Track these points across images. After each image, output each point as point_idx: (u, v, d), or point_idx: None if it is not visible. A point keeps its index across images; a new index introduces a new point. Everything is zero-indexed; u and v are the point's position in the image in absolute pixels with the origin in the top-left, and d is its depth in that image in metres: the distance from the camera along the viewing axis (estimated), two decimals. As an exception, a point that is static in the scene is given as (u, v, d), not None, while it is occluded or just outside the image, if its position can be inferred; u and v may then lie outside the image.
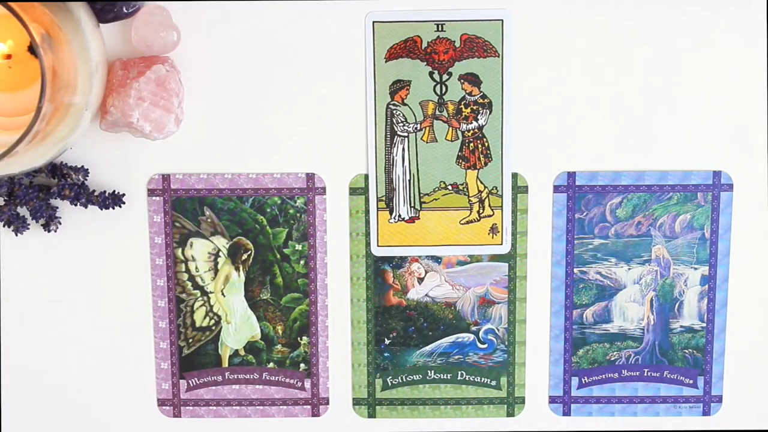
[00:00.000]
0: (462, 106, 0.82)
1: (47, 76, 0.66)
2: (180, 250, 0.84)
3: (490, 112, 0.82)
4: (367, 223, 0.84)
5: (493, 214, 0.83)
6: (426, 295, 0.85)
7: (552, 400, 0.87)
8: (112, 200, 0.81)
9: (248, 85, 0.81)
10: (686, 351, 0.86)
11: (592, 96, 0.82)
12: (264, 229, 0.84)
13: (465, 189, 0.83)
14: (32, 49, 0.75)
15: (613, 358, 0.86)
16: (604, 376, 0.86)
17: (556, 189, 0.83)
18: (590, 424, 0.87)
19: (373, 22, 0.80)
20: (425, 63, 0.81)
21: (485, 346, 0.86)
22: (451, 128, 0.82)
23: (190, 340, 0.86)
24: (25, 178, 0.81)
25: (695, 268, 0.84)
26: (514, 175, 0.83)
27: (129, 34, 0.79)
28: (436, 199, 0.83)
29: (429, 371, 0.86)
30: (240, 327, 0.85)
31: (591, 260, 0.84)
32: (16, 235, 0.82)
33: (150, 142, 0.81)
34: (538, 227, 0.84)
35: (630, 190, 0.83)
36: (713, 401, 0.86)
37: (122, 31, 0.80)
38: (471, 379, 0.86)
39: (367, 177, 0.83)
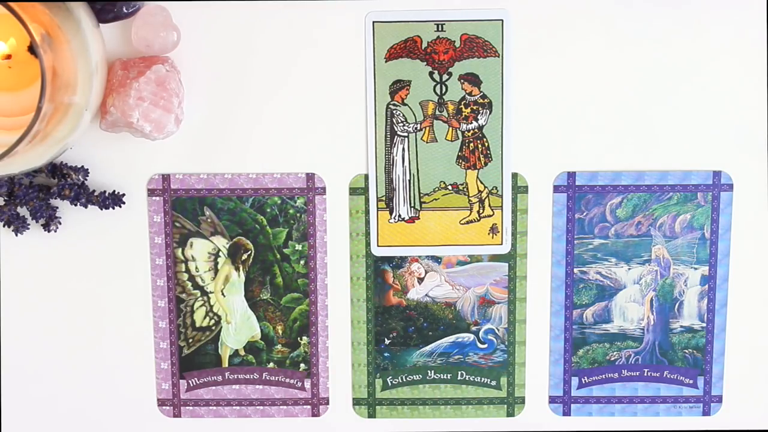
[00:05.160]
0: (462, 106, 0.82)
1: (47, 76, 0.66)
2: (180, 250, 0.84)
3: (490, 112, 0.82)
4: (367, 223, 0.84)
5: (493, 214, 0.83)
6: (426, 295, 0.85)
7: (552, 400, 0.87)
8: (112, 200, 0.81)
9: (248, 85, 0.81)
10: (686, 351, 0.86)
11: (591, 96, 0.82)
12: (264, 229, 0.84)
13: (465, 189, 0.83)
14: (32, 49, 0.75)
15: (613, 358, 0.86)
16: (604, 376, 0.86)
17: (556, 189, 0.83)
18: (590, 424, 0.87)
19: (373, 22, 0.80)
20: (425, 63, 0.81)
21: (485, 346, 0.86)
22: (451, 128, 0.82)
23: (190, 340, 0.86)
24: (25, 178, 0.81)
25: (695, 268, 0.84)
26: (514, 175, 0.83)
27: (129, 34, 0.79)
28: (436, 199, 0.83)
29: (429, 371, 0.86)
30: (240, 327, 0.85)
31: (591, 260, 0.84)
32: (16, 235, 0.82)
33: (150, 142, 0.81)
34: (538, 227, 0.84)
35: (630, 190, 0.83)
36: (713, 401, 0.86)
37: (122, 31, 0.80)
38: (471, 379, 0.86)
39: (367, 177, 0.83)
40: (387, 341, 0.86)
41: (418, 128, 0.82)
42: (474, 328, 0.86)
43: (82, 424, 0.86)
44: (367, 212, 0.83)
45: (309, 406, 0.86)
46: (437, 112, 0.82)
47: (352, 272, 0.85)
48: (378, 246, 0.84)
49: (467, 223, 0.83)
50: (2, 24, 0.74)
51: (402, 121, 0.82)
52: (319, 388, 0.86)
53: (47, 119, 0.68)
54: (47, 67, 0.66)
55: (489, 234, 0.84)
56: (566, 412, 0.87)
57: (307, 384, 0.86)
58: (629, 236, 0.84)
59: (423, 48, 0.81)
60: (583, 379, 0.86)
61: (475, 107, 0.82)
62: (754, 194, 0.83)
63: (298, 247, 0.84)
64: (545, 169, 0.83)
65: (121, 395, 0.86)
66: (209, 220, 0.84)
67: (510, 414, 0.87)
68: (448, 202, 0.83)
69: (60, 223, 0.82)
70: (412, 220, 0.83)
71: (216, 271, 0.85)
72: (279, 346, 0.86)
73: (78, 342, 0.85)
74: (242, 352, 0.86)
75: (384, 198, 0.83)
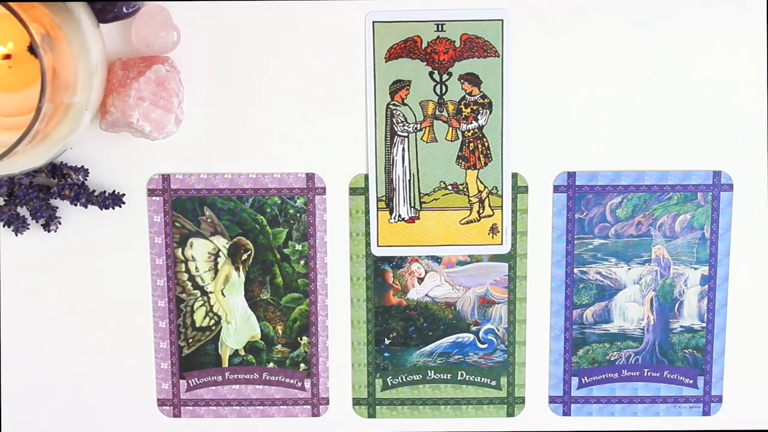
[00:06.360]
0: (462, 106, 0.82)
1: (47, 76, 0.66)
2: (180, 250, 0.84)
3: (490, 112, 0.82)
4: (367, 223, 0.84)
5: (493, 214, 0.83)
6: (426, 295, 0.85)
7: (552, 400, 0.87)
8: (112, 200, 0.81)
9: (248, 85, 0.81)
10: (686, 351, 0.86)
11: (591, 96, 0.82)
12: (264, 229, 0.84)
13: (465, 189, 0.83)
14: (32, 49, 0.75)
15: (613, 358, 0.86)
16: (604, 376, 0.86)
17: (556, 189, 0.83)
18: (590, 424, 0.87)
19: (373, 22, 0.80)
20: (425, 63, 0.81)
21: (485, 346, 0.86)
22: (451, 128, 0.82)
23: (190, 340, 0.86)
24: (25, 178, 0.81)
25: (695, 268, 0.84)
26: (514, 175, 0.83)
27: (129, 34, 0.79)
28: (436, 199, 0.83)
29: (429, 371, 0.86)
30: (240, 327, 0.85)
31: (591, 260, 0.84)
32: (16, 235, 0.82)
33: (150, 142, 0.81)
34: (538, 227, 0.84)
35: (630, 190, 0.83)
36: (713, 401, 0.86)
37: (122, 31, 0.80)
38: (471, 379, 0.86)
39: (367, 177, 0.83)
40: (387, 341, 0.86)
41: (418, 128, 0.82)
42: (474, 328, 0.86)
43: (82, 424, 0.86)
44: (367, 212, 0.83)
45: (309, 406, 0.86)
46: (437, 112, 0.82)
47: (352, 272, 0.85)
48: (378, 246, 0.84)
49: (467, 223, 0.83)
50: (2, 24, 0.74)
51: (402, 121, 0.82)
52: (319, 388, 0.86)
53: (47, 119, 0.68)
54: (47, 67, 0.66)
55: (489, 234, 0.84)
56: (566, 412, 0.87)
57: (307, 384, 0.86)
58: (629, 236, 0.84)
59: (423, 48, 0.81)
60: (583, 379, 0.86)
61: (475, 107, 0.82)
62: (754, 194, 0.83)
63: (298, 247, 0.84)
64: (545, 169, 0.83)
65: (121, 395, 0.86)
66: (209, 220, 0.84)
67: (510, 414, 0.87)
68: (448, 202, 0.83)
69: (60, 223, 0.82)
70: (412, 220, 0.83)
71: (216, 271, 0.85)
72: (279, 346, 0.86)
73: (78, 342, 0.85)
74: (242, 352, 0.86)
75: (384, 198, 0.83)
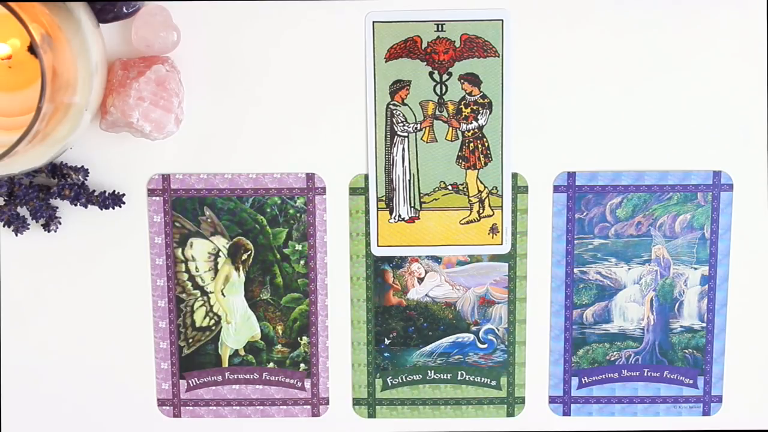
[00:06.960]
0: (462, 106, 0.82)
1: (47, 76, 0.66)
2: (180, 250, 0.84)
3: (490, 112, 0.82)
4: (367, 223, 0.84)
5: (493, 214, 0.83)
6: (426, 295, 0.85)
7: (552, 400, 0.87)
8: (112, 200, 0.81)
9: (248, 85, 0.81)
10: (686, 351, 0.86)
11: (591, 96, 0.82)
12: (264, 229, 0.84)
13: (465, 189, 0.83)
14: (32, 49, 0.75)
15: (613, 358, 0.86)
16: (604, 376, 0.86)
17: (556, 189, 0.83)
18: (590, 424, 0.87)
19: (373, 22, 0.80)
20: (425, 63, 0.81)
21: (485, 346, 0.86)
22: (451, 128, 0.82)
23: (190, 340, 0.86)
24: (25, 178, 0.81)
25: (695, 268, 0.84)
26: (514, 175, 0.83)
27: (129, 34, 0.79)
28: (436, 199, 0.83)
29: (429, 371, 0.86)
30: (240, 327, 0.85)
31: (591, 260, 0.84)
32: (16, 235, 0.82)
33: (150, 142, 0.81)
34: (538, 227, 0.84)
35: (630, 190, 0.83)
36: (713, 401, 0.86)
37: (122, 31, 0.80)
38: (471, 379, 0.86)
39: (367, 177, 0.83)
40: (387, 341, 0.86)
41: (418, 128, 0.82)
42: (474, 328, 0.86)
43: (82, 424, 0.86)
44: (367, 212, 0.83)
45: (309, 406, 0.86)
46: (437, 112, 0.82)
47: (352, 272, 0.85)
48: (378, 246, 0.84)
49: (467, 223, 0.83)
50: (2, 24, 0.74)
51: (402, 121, 0.82)
52: (319, 388, 0.86)
53: (47, 119, 0.68)
54: (47, 67, 0.66)
55: (489, 234, 0.84)
56: (566, 412, 0.87)
57: (307, 384, 0.86)
58: (629, 236, 0.84)
59: (423, 48, 0.81)
60: (583, 379, 0.86)
61: (475, 107, 0.82)
62: (754, 194, 0.83)
63: (298, 247, 0.84)
64: (545, 169, 0.83)
65: (121, 395, 0.86)
66: (209, 220, 0.84)
67: (510, 414, 0.87)
68: (448, 202, 0.83)
69: (60, 223, 0.82)
70: (412, 220, 0.83)
71: (216, 271, 0.85)
72: (279, 346, 0.86)
73: (78, 342, 0.85)
74: (242, 352, 0.86)
75: (384, 198, 0.83)
